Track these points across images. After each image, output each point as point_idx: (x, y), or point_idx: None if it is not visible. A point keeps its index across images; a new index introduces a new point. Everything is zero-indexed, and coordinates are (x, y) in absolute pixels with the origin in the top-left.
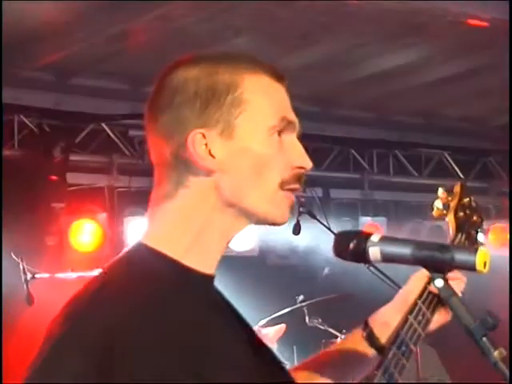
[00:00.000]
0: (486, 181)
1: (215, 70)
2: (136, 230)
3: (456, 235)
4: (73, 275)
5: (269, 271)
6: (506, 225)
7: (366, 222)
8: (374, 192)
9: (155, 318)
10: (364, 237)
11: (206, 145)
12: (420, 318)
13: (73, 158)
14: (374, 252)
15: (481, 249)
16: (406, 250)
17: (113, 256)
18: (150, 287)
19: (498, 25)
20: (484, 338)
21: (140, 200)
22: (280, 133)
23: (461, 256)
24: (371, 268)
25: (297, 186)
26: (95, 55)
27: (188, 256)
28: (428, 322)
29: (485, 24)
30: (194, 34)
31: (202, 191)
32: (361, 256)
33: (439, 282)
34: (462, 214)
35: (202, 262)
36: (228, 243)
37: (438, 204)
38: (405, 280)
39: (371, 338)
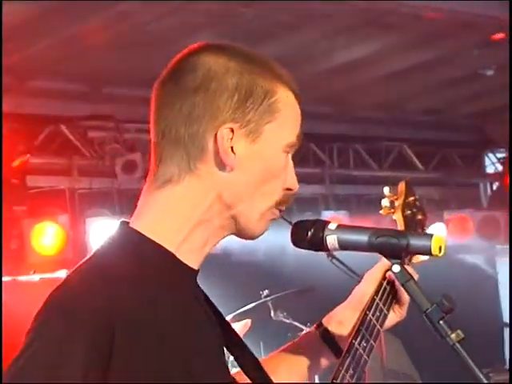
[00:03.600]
0: (446, 172)
1: (257, 70)
2: (98, 231)
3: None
4: (35, 277)
5: (233, 268)
6: (465, 215)
7: (328, 216)
8: (335, 186)
9: (152, 303)
10: (321, 225)
11: (231, 139)
12: (378, 313)
13: (32, 160)
14: (331, 240)
15: (436, 234)
16: (362, 238)
17: (76, 258)
18: (146, 276)
19: (455, 16)
20: (441, 322)
21: (101, 201)
22: (290, 151)
23: (416, 241)
24: (334, 261)
25: (285, 207)
26: (52, 57)
27: (181, 250)
28: (385, 317)
29: (442, 15)
30: (153, 31)
31: (209, 183)
32: (318, 245)
33: (396, 268)
34: (408, 212)
35: (192, 257)
36: (214, 246)
37: (385, 202)
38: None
39: (326, 337)
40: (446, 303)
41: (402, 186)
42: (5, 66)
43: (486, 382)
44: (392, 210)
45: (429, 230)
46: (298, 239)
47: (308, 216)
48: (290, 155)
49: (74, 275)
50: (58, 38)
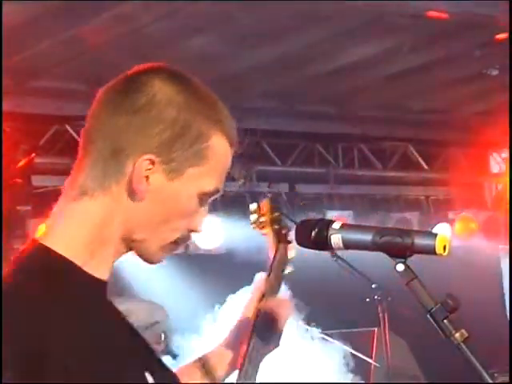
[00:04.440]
0: (450, 172)
1: (199, 111)
2: None
3: (278, 245)
4: None
5: (237, 268)
6: (470, 215)
7: (332, 216)
8: (340, 186)
9: (77, 322)
10: (325, 225)
11: (149, 170)
12: (258, 344)
13: (37, 160)
14: (335, 239)
15: (440, 233)
16: (366, 237)
17: None
18: (53, 294)
19: (457, 17)
20: (445, 321)
21: None
22: (205, 200)
23: (421, 240)
24: (338, 261)
25: (183, 244)
26: (56, 56)
27: (89, 264)
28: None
29: (445, 16)
30: (152, 33)
31: (118, 206)
32: (323, 244)
33: (400, 267)
34: (276, 226)
35: (101, 270)
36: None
37: (253, 218)
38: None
39: (207, 368)
40: (450, 302)
41: (266, 203)
42: (9, 65)
43: (490, 382)
44: (262, 225)
45: (434, 230)
46: (303, 238)
47: (312, 216)
48: (208, 201)
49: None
50: (61, 38)
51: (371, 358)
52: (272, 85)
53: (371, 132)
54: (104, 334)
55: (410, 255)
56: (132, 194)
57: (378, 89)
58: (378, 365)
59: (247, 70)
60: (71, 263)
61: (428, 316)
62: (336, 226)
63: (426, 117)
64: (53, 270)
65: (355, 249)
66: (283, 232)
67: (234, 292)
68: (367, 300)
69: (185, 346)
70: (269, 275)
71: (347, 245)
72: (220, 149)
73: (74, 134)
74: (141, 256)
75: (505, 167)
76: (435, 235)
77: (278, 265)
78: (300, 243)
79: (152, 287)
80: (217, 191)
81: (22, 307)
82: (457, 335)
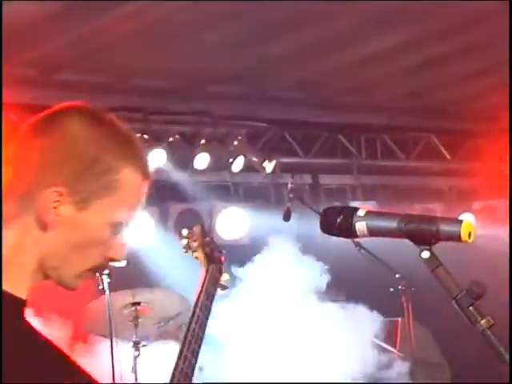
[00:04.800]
0: (474, 161)
1: (107, 146)
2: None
3: (209, 266)
4: None
5: None
6: (495, 204)
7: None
8: (363, 177)
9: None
10: (350, 212)
11: (57, 201)
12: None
13: None
14: (360, 226)
15: (465, 220)
16: (392, 223)
17: None
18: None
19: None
20: (471, 308)
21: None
22: (118, 229)
23: (446, 227)
24: (362, 251)
25: (101, 271)
26: (79, 49)
27: (8, 283)
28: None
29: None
30: (175, 23)
31: (30, 235)
32: (348, 231)
33: (425, 254)
34: (208, 249)
35: (22, 290)
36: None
37: (184, 242)
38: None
39: None
40: (475, 289)
41: (198, 228)
42: (34, 58)
43: None
44: (193, 249)
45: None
46: (328, 226)
47: None
48: (124, 230)
49: None
50: (83, 31)
51: (395, 347)
52: (294, 75)
53: (394, 122)
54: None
55: (436, 242)
56: (42, 224)
57: (401, 79)
58: (401, 354)
59: (271, 60)
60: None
61: (453, 303)
62: (361, 213)
63: (449, 107)
64: None
65: (380, 236)
66: (215, 255)
67: None
68: (391, 290)
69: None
70: (199, 295)
71: (372, 232)
72: (131, 181)
73: None
74: (58, 283)
75: None
76: (460, 222)
77: (209, 284)
78: (325, 231)
79: (176, 277)
80: (130, 221)
81: None
82: (482, 322)
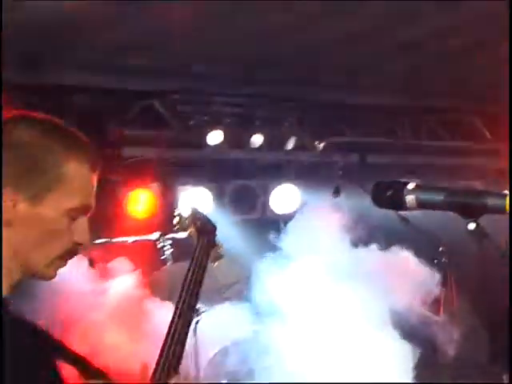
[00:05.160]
0: None
1: (51, 145)
2: (186, 198)
3: (199, 238)
4: (129, 239)
5: None
6: None
7: None
8: (408, 156)
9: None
10: (400, 186)
11: (14, 200)
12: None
13: (127, 132)
14: (409, 199)
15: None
16: (439, 197)
17: (165, 222)
18: None
19: None
20: None
21: (189, 171)
22: (74, 215)
23: (493, 200)
24: (407, 224)
25: (72, 257)
26: (142, 35)
27: None
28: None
29: None
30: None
31: (1, 234)
32: (398, 204)
33: (472, 226)
34: (199, 223)
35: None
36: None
37: (176, 220)
38: None
39: None
40: None
41: (191, 209)
42: (99, 43)
43: None
44: (185, 228)
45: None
46: (379, 199)
47: None
48: (83, 216)
49: None
50: (144, 17)
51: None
52: (345, 61)
53: (437, 104)
54: None
55: (481, 214)
56: (5, 223)
57: (444, 63)
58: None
59: (322, 46)
60: None
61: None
62: (410, 186)
63: (490, 90)
64: None
65: (428, 208)
66: (207, 228)
67: None
68: (435, 261)
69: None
70: (189, 267)
71: (421, 204)
72: (78, 173)
73: (160, 108)
74: (34, 275)
75: None
76: (505, 195)
77: (200, 255)
78: (376, 203)
79: (231, 249)
80: (86, 206)
81: None
82: None
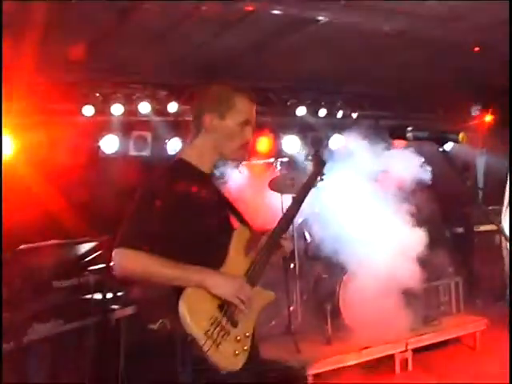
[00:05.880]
0: None
1: (226, 92)
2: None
3: (315, 168)
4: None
5: None
6: None
7: None
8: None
9: (173, 183)
10: (403, 127)
11: (211, 119)
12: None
13: None
14: (409, 136)
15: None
16: (424, 134)
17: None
18: (187, 175)
19: None
20: None
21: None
22: (243, 125)
23: (452, 135)
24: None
25: (246, 150)
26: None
27: (199, 163)
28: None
29: None
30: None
31: (206, 138)
32: (402, 138)
33: (441, 149)
34: (318, 157)
35: (206, 167)
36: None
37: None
38: None
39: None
40: None
41: (315, 150)
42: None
43: None
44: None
45: None
46: (393, 135)
47: None
48: (248, 127)
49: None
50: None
51: None
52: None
53: None
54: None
55: (446, 142)
56: (208, 131)
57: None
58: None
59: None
60: (187, 162)
61: None
62: (409, 128)
63: None
64: (176, 165)
65: (418, 140)
66: (319, 163)
67: None
68: None
69: None
70: (303, 185)
71: (415, 138)
72: (241, 103)
73: None
74: (226, 159)
75: None
76: (459, 131)
77: (310, 180)
78: (391, 137)
79: None
80: (248, 121)
81: (154, 177)
82: None
